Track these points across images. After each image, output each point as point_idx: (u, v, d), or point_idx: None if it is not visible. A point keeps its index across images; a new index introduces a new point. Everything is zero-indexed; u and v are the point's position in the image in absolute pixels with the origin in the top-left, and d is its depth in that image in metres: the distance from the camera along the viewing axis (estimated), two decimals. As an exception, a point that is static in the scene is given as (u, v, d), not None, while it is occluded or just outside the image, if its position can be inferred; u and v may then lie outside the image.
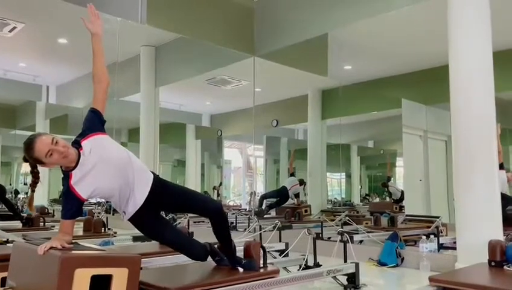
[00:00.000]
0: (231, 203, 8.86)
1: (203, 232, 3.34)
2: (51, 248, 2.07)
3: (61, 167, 2.42)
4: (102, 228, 4.77)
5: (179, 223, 5.43)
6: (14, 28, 5.62)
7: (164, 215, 2.77)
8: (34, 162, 2.34)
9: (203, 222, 6.55)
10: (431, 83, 7.17)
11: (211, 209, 2.75)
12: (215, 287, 2.47)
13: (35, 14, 5.45)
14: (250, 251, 2.82)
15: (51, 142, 2.25)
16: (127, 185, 2.46)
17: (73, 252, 2.06)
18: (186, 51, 6.53)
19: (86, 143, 2.39)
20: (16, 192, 7.11)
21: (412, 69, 7.23)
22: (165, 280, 2.51)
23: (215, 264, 2.83)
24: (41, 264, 2.04)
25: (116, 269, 2.06)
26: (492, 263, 2.84)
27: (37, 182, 2.54)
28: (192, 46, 6.44)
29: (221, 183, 9.14)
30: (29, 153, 2.28)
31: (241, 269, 2.74)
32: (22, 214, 5.91)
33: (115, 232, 4.77)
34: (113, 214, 5.77)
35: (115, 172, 2.41)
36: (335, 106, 7.97)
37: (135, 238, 4.80)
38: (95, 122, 2.50)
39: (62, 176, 2.45)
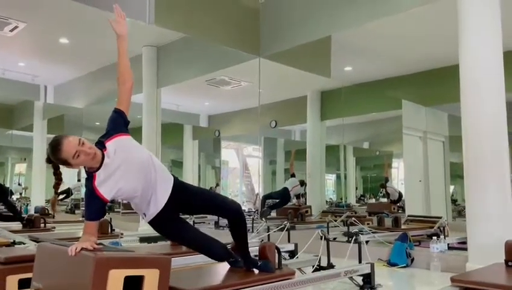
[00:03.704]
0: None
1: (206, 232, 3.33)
2: (82, 248, 2.05)
3: (84, 167, 2.39)
4: (109, 229, 4.72)
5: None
6: (16, 27, 5.55)
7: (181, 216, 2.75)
8: (60, 163, 2.31)
9: (203, 222, 6.59)
10: (430, 85, 7.26)
11: (232, 209, 2.75)
12: (232, 289, 2.44)
13: (37, 14, 5.40)
14: (266, 252, 2.74)
15: (77, 144, 2.23)
16: (149, 186, 2.45)
17: (106, 253, 2.04)
18: (188, 51, 6.52)
19: (110, 144, 2.37)
20: (11, 192, 7.04)
21: (412, 71, 7.32)
22: (182, 282, 2.43)
23: (229, 266, 2.77)
24: (73, 265, 2.02)
25: (148, 270, 2.05)
26: (510, 263, 2.87)
27: (60, 184, 2.51)
28: (194, 47, 6.43)
29: (217, 184, 9.13)
30: (56, 155, 2.25)
31: (256, 271, 2.70)
32: (23, 215, 5.84)
33: (122, 233, 4.74)
34: (123, 206, 5.67)
35: (138, 173, 2.40)
36: (334, 107, 8.02)
37: (142, 239, 4.79)
38: (119, 123, 2.47)
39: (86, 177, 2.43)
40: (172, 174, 2.64)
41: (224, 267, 2.77)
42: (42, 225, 5.39)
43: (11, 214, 6.00)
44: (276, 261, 2.78)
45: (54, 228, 5.58)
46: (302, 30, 5.78)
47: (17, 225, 5.46)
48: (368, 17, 5.23)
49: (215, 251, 2.76)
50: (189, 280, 2.67)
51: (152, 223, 2.61)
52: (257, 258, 2.79)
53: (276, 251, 2.78)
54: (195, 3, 5.59)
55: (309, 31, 5.72)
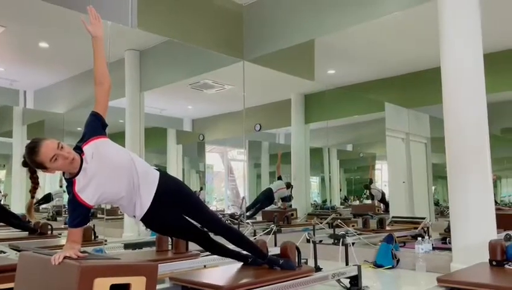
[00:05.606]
0: (213, 209, 8.79)
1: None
2: (65, 257, 2.01)
3: (63, 173, 2.34)
4: (92, 236, 4.64)
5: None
6: (-5, 31, 5.43)
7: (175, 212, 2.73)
8: (36, 166, 2.25)
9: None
10: (412, 87, 7.36)
11: (219, 224, 2.80)
12: (260, 285, 2.60)
13: (17, 18, 5.28)
14: (287, 251, 3.00)
15: (56, 147, 2.17)
16: (132, 187, 2.41)
17: (90, 261, 1.99)
18: (172, 55, 6.47)
19: (87, 148, 2.31)
20: (-10, 199, 6.86)
21: (395, 74, 7.40)
22: (213, 280, 2.60)
23: (251, 265, 2.95)
24: (57, 274, 1.97)
25: (135, 278, 2.01)
26: (494, 263, 2.91)
27: (37, 188, 2.45)
28: (178, 51, 6.38)
29: (201, 188, 9.07)
30: (32, 157, 2.19)
31: (278, 269, 2.88)
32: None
33: (106, 240, 4.66)
34: (106, 213, 5.60)
35: (119, 176, 2.35)
36: (318, 110, 8.06)
37: (126, 246, 4.71)
38: (95, 126, 2.42)
39: (66, 184, 2.38)
40: (158, 170, 2.60)
41: (245, 266, 2.98)
42: (49, 231, 5.19)
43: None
44: (296, 259, 3.01)
45: (61, 234, 5.42)
46: (286, 34, 5.80)
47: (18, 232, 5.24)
48: (351, 21, 5.28)
49: (209, 244, 2.82)
50: (218, 277, 2.80)
51: (143, 222, 2.60)
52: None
53: (296, 250, 3.03)
54: (178, 7, 5.56)
55: (293, 34, 5.74)
